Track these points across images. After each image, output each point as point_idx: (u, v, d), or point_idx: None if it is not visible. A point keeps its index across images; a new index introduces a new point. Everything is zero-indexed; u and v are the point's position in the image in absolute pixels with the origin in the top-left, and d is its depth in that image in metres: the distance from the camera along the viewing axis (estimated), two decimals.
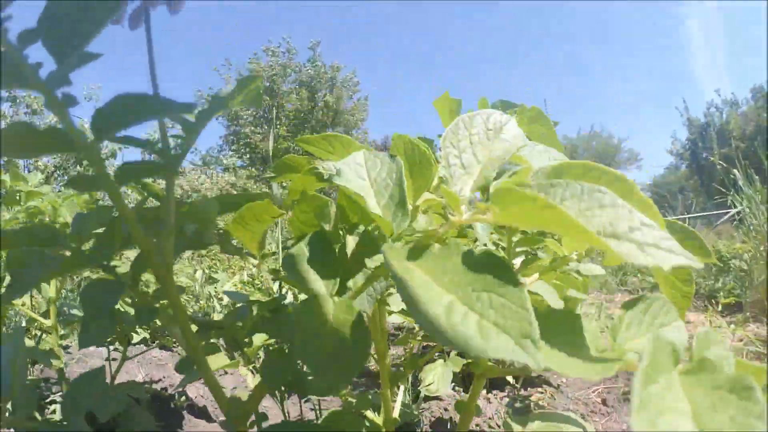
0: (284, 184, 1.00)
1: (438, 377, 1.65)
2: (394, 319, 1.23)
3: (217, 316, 3.09)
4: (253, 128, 19.92)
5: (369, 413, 0.89)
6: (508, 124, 0.49)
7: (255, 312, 0.94)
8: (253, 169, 15.98)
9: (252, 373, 0.88)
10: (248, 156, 19.72)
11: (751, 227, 3.97)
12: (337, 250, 0.56)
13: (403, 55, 64.82)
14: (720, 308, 3.45)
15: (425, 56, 68.29)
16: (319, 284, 0.49)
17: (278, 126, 20.08)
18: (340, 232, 0.60)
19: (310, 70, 20.57)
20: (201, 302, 3.25)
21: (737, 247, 4.38)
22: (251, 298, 1.01)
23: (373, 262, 0.44)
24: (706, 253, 0.62)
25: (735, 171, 4.29)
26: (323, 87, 20.74)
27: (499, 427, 1.57)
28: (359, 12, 60.92)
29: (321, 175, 0.72)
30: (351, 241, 0.58)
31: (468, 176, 0.45)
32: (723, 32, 60.52)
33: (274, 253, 0.95)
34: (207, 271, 3.30)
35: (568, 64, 73.06)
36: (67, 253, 0.58)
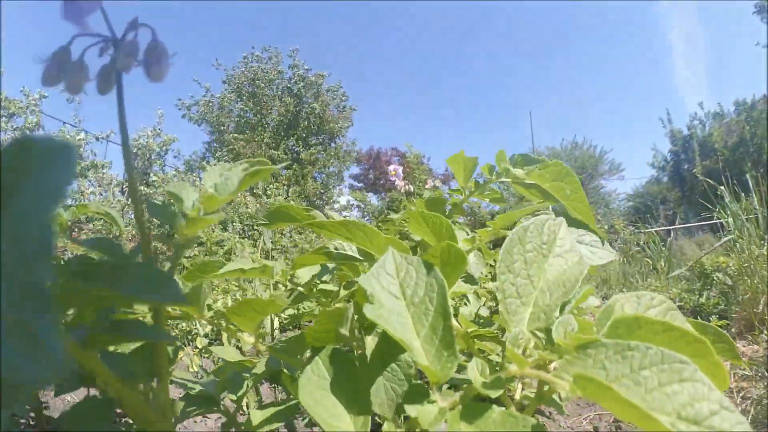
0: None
1: None
2: None
3: (200, 341, 3.01)
4: (236, 135, 19.73)
5: None
6: (560, 231, 0.44)
7: (250, 383, 0.87)
8: None
9: None
10: (232, 163, 19.51)
11: (737, 244, 3.99)
12: (356, 354, 0.50)
13: (390, 64, 64.89)
14: (713, 321, 3.43)
15: (413, 66, 68.47)
16: (346, 423, 0.42)
17: (262, 133, 19.93)
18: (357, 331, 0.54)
19: (299, 73, 20.40)
20: (182, 324, 3.16)
21: (721, 260, 4.39)
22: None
23: (410, 408, 0.37)
24: (735, 355, 0.63)
25: (722, 188, 4.32)
26: (309, 95, 20.61)
27: None
28: (347, 21, 60.96)
29: (331, 254, 0.66)
30: (371, 342, 0.52)
31: (524, 308, 0.39)
32: (705, 46, 61.68)
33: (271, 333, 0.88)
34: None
35: (553, 75, 73.78)
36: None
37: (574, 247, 0.44)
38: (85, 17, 0.47)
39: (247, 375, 0.84)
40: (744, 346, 2.90)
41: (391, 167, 2.09)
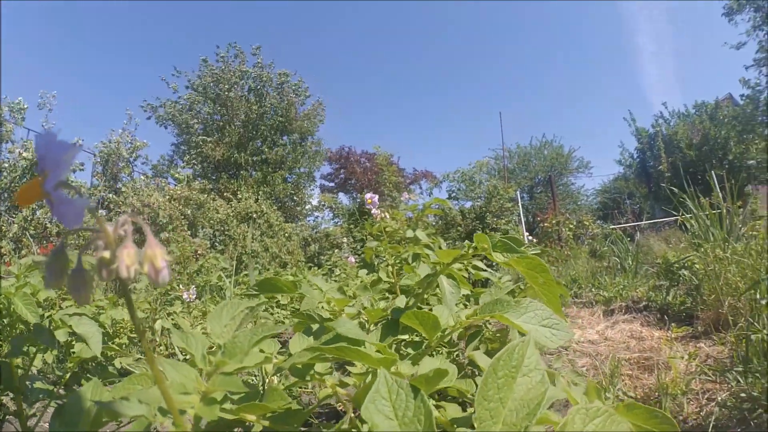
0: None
1: None
2: None
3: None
4: (204, 137, 19.50)
5: None
6: (528, 350, 0.52)
7: None
8: (206, 181, 15.57)
9: None
10: (200, 166, 19.31)
11: (702, 248, 4.09)
12: None
13: (358, 64, 64.71)
14: (673, 329, 3.52)
15: (381, 65, 68.43)
16: None
17: (230, 135, 19.72)
18: None
19: (261, 72, 20.13)
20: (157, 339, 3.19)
21: (688, 258, 4.47)
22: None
23: None
24: (670, 425, 0.71)
25: (684, 196, 4.46)
26: (271, 93, 20.40)
27: None
28: (312, 19, 60.61)
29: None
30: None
31: (496, 425, 0.46)
32: (673, 46, 63.10)
33: None
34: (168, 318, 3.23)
35: (523, 75, 74.57)
36: None
37: (538, 364, 0.52)
38: (82, 217, 0.47)
39: None
40: (709, 347, 2.99)
41: (368, 195, 2.17)
